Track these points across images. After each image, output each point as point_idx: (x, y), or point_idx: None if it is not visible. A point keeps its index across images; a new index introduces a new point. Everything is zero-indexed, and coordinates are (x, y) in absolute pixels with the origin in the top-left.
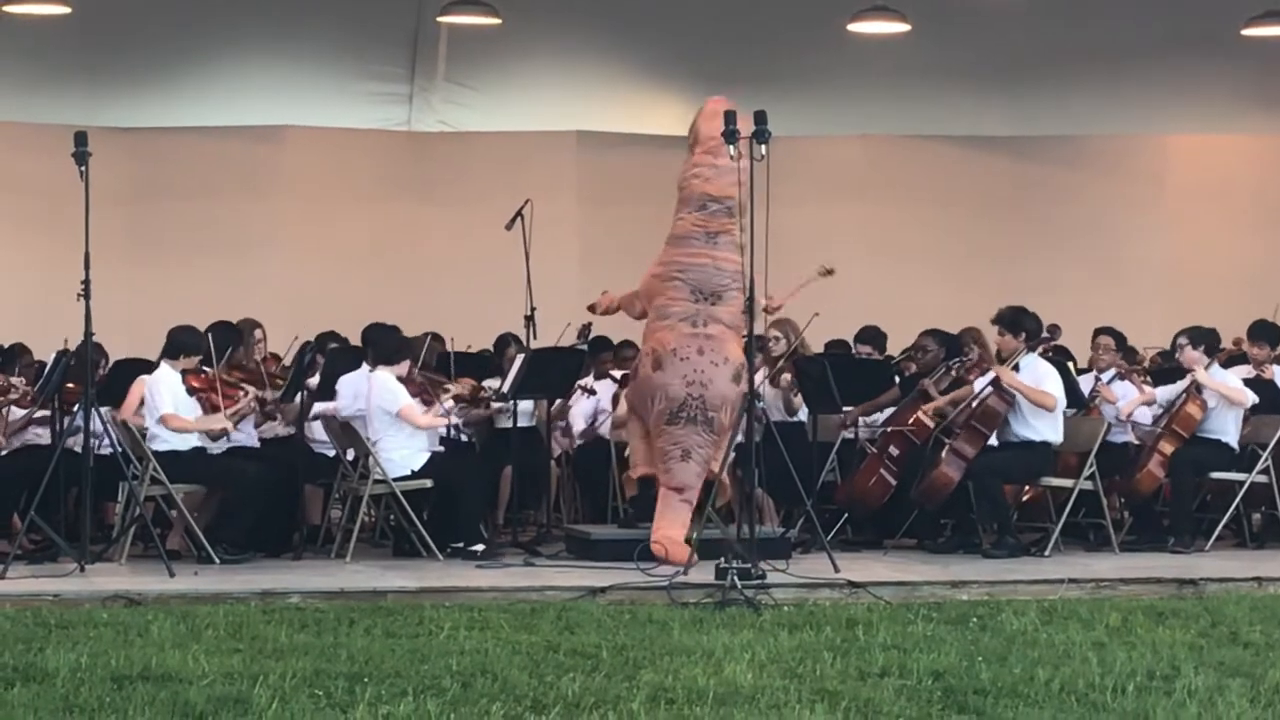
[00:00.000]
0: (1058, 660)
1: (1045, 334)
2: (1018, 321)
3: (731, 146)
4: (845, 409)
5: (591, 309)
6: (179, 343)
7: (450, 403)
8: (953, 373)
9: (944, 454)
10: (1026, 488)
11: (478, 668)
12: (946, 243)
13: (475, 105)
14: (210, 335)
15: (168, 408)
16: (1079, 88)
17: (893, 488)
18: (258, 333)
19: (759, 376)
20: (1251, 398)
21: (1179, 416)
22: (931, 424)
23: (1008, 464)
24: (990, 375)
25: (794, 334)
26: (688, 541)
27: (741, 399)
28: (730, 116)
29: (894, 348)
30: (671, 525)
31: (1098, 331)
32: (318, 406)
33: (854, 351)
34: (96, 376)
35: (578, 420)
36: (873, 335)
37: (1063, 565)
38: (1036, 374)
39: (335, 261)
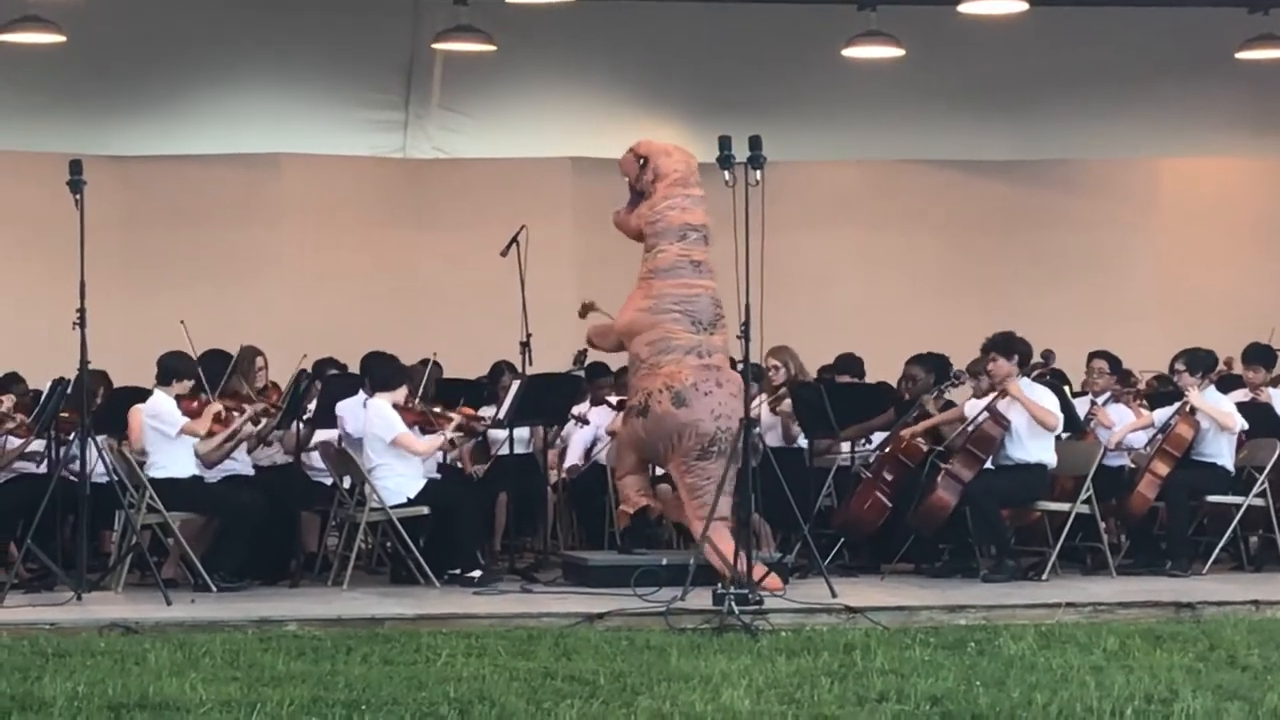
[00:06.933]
0: (1056, 684)
1: (1040, 359)
2: (1009, 345)
3: (727, 172)
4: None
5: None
6: (170, 368)
7: (452, 433)
8: (946, 395)
9: (940, 478)
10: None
11: (475, 695)
12: (942, 267)
13: (470, 132)
14: (203, 364)
15: (181, 421)
16: (1073, 112)
17: (888, 510)
18: (259, 360)
19: (757, 403)
20: (1240, 423)
21: (1171, 436)
22: (923, 447)
23: (1004, 487)
24: (986, 400)
25: (793, 362)
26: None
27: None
28: (725, 142)
29: (890, 372)
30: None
31: (1092, 355)
32: (319, 434)
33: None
34: (93, 404)
35: (575, 450)
36: (850, 363)
37: (1060, 589)
38: (1033, 397)
39: (331, 288)
